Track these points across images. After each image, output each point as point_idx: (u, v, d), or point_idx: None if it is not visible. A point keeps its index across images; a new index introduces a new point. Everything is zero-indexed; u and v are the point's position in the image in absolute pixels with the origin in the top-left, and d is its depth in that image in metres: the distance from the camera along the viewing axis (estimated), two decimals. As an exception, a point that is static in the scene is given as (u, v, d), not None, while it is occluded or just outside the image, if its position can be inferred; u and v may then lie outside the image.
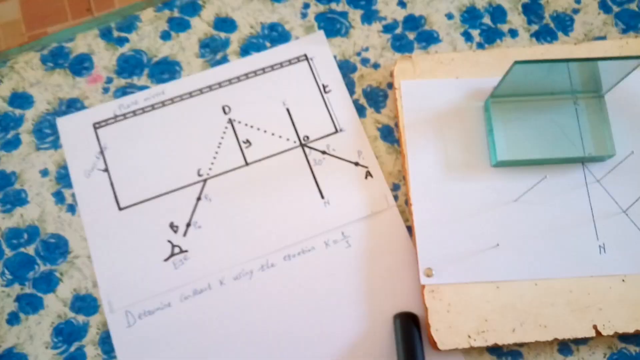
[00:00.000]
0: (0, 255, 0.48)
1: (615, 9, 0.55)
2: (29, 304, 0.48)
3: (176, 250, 0.49)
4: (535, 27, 0.55)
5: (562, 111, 0.50)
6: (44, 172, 0.51)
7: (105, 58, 0.54)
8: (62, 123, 0.52)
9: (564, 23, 0.55)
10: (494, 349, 0.47)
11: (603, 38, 0.54)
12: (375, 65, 0.54)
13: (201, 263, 0.48)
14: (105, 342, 0.47)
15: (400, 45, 0.54)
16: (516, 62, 0.44)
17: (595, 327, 0.45)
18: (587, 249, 0.47)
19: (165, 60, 0.54)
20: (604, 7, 0.55)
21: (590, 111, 0.50)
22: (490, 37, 0.54)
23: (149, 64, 0.53)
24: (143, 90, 0.53)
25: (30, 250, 0.49)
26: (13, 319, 0.47)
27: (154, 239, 0.49)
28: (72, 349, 0.47)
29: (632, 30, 0.55)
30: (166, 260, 0.49)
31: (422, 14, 0.55)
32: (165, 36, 0.54)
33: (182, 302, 0.48)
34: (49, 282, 0.48)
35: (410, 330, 0.45)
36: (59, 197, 0.50)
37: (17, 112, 0.52)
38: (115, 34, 0.54)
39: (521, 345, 0.47)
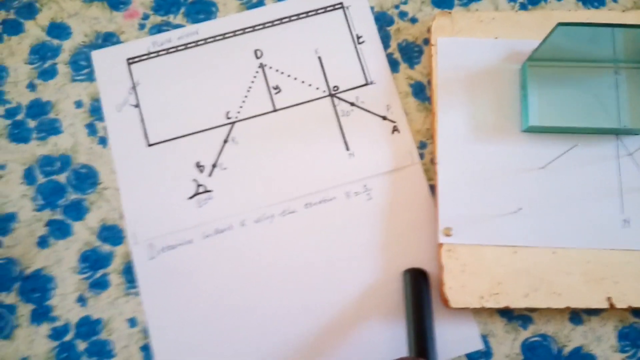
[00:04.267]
0: (33, 181, 0.50)
1: (671, -24, 0.52)
2: (59, 230, 0.50)
3: (201, 189, 0.50)
4: (583, -10, 0.53)
5: (602, 80, 0.49)
6: (78, 104, 0.52)
7: (142, -6, 0.54)
8: (97, 56, 0.53)
9: (615, -12, 0.53)
10: (505, 312, 0.47)
11: (654, 6, 0.52)
12: (413, 20, 0.53)
13: (224, 203, 0.50)
14: (128, 272, 0.49)
15: (440, 1, 0.53)
16: (559, 24, 0.43)
17: (609, 299, 0.45)
18: (610, 222, 0.47)
19: (201, -1, 0.53)
20: (659, -27, 0.53)
21: (631, 82, 0.48)
22: (535, -3, 0.53)
23: (186, 3, 0.53)
24: (178, 28, 0.53)
25: (62, 178, 0.50)
26: (43, 243, 0.49)
27: (180, 176, 0.50)
28: (97, 275, 0.49)
29: (686, 0, 0.52)
30: (191, 198, 0.50)
31: (466, -31, 0.53)
32: (203, -25, 0.54)
33: (203, 239, 0.49)
34: (78, 210, 0.50)
35: (419, 285, 0.46)
36: (91, 129, 0.51)
37: (55, 42, 0.53)
38: (154, -31, 0.54)
39: (533, 310, 0.47)
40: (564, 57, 0.48)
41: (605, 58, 0.48)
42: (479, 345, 0.46)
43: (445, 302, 0.46)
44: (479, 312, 0.47)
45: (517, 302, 0.46)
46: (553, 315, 0.47)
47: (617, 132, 0.48)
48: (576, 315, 0.47)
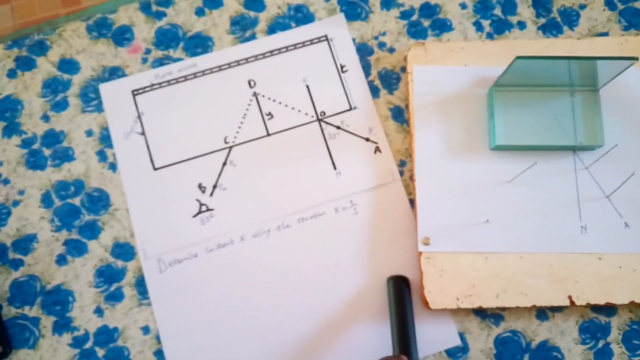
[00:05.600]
0: (50, 204, 0.55)
1: (620, 6, 0.59)
2: (75, 248, 0.55)
3: (203, 208, 0.55)
4: (542, 20, 0.59)
5: (559, 102, 0.55)
6: (89, 133, 0.57)
7: (144, 30, 0.59)
8: (105, 89, 0.58)
9: (570, 18, 0.59)
10: (479, 311, 0.53)
11: (605, 34, 0.58)
12: (391, 50, 0.58)
13: (225, 221, 0.55)
14: (140, 285, 0.54)
15: (415, 32, 0.59)
16: (517, 58, 0.49)
17: (570, 297, 0.51)
18: (570, 229, 0.53)
19: (198, 35, 0.59)
20: (610, 4, 0.59)
21: (585, 104, 0.55)
22: (500, 27, 0.58)
23: (184, 38, 0.59)
24: (177, 62, 0.58)
25: (76, 201, 0.55)
26: (61, 260, 0.54)
27: (184, 197, 0.55)
28: (112, 288, 0.54)
29: (633, 28, 0.58)
30: (194, 216, 0.55)
31: (438, 3, 0.59)
32: (200, 12, 0.59)
33: (207, 253, 0.54)
34: (92, 230, 0.55)
35: (401, 290, 0.51)
36: (101, 155, 0.56)
37: (65, 76, 0.58)
38: (154, 7, 0.59)
39: (503, 309, 0.53)
40: (525, 82, 0.54)
41: (562, 83, 0.54)
42: (456, 342, 0.52)
43: (425, 304, 0.51)
44: (455, 312, 0.53)
45: (490, 302, 0.51)
46: (521, 313, 0.53)
47: (574, 149, 0.54)
48: (542, 313, 0.53)
